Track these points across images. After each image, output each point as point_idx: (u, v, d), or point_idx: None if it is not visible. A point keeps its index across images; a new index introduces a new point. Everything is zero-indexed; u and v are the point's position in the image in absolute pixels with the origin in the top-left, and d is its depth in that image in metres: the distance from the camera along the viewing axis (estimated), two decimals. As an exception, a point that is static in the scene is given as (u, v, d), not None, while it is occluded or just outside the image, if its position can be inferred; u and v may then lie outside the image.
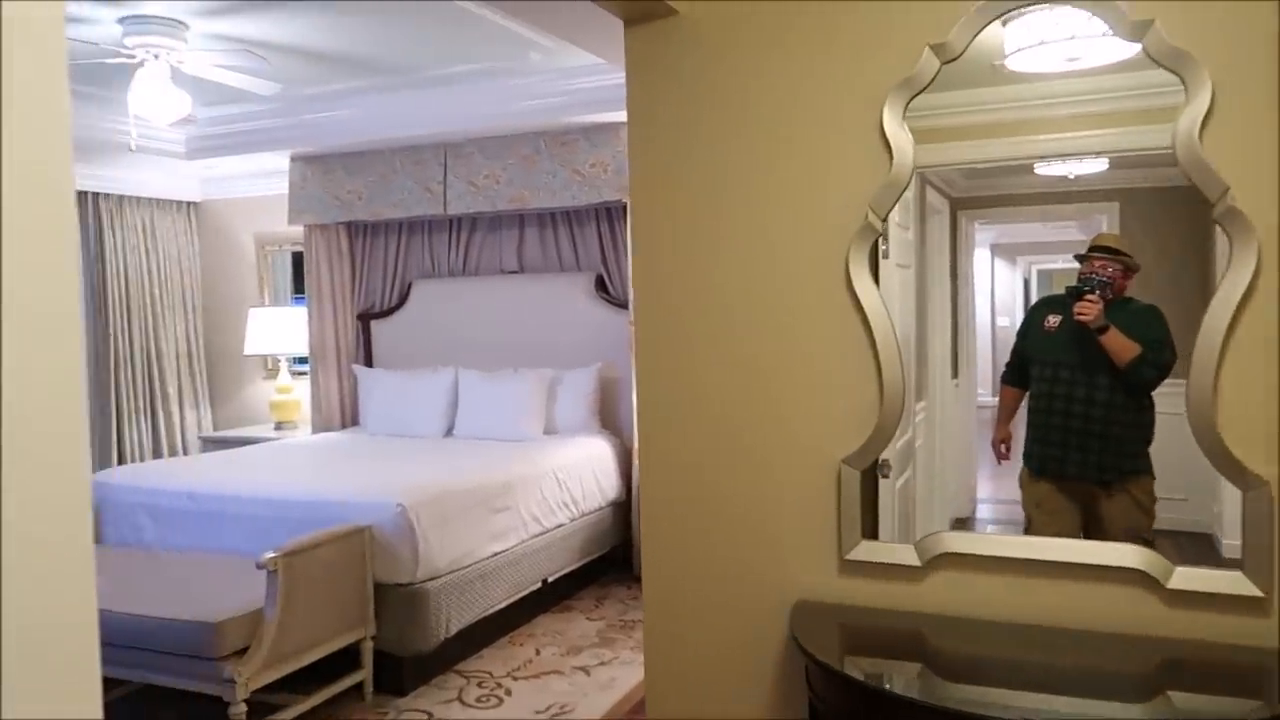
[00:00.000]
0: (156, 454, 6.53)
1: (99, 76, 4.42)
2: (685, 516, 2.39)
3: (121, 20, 3.77)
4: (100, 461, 6.22)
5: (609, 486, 5.12)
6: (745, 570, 2.32)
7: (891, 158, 2.09)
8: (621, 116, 4.85)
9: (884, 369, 2.13)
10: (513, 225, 5.82)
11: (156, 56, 3.86)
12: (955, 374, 2.52)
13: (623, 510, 5.25)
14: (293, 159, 5.92)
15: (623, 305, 5.39)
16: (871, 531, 2.19)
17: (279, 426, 6.29)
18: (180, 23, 3.84)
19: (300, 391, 6.32)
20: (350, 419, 6.08)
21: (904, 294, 2.30)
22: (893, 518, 2.26)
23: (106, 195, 6.25)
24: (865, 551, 2.18)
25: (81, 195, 6.14)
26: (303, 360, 6.49)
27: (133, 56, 3.87)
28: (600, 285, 5.54)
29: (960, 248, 2.44)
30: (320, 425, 6.00)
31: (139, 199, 6.48)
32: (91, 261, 6.21)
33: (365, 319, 6.15)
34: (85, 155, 5.72)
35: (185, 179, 6.68)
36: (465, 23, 3.99)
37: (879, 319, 2.13)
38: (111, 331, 6.25)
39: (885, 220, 2.13)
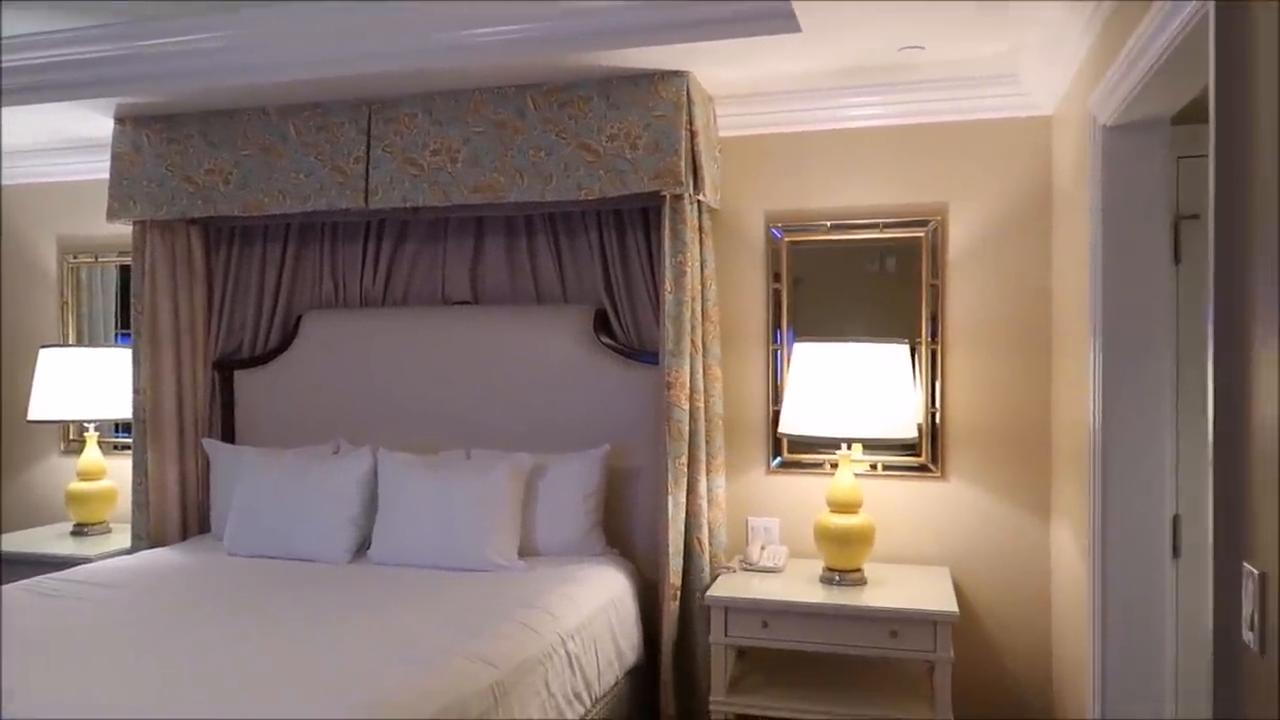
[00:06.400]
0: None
1: None
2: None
3: None
4: None
5: (627, 647, 3.19)
6: None
7: None
8: (676, 60, 3.03)
9: None
10: (465, 233, 3.87)
11: None
12: None
13: (644, 680, 3.32)
14: (118, 120, 3.81)
15: (640, 356, 3.53)
16: None
17: (79, 530, 4.08)
18: None
19: (120, 475, 4.14)
20: (196, 524, 3.92)
21: None
22: None
23: None
24: None
25: None
26: (125, 429, 4.34)
27: None
28: (602, 325, 3.65)
29: None
30: (145, 533, 3.80)
31: None
32: None
33: (226, 368, 4.04)
34: None
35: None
36: None
37: None
38: None
39: None
